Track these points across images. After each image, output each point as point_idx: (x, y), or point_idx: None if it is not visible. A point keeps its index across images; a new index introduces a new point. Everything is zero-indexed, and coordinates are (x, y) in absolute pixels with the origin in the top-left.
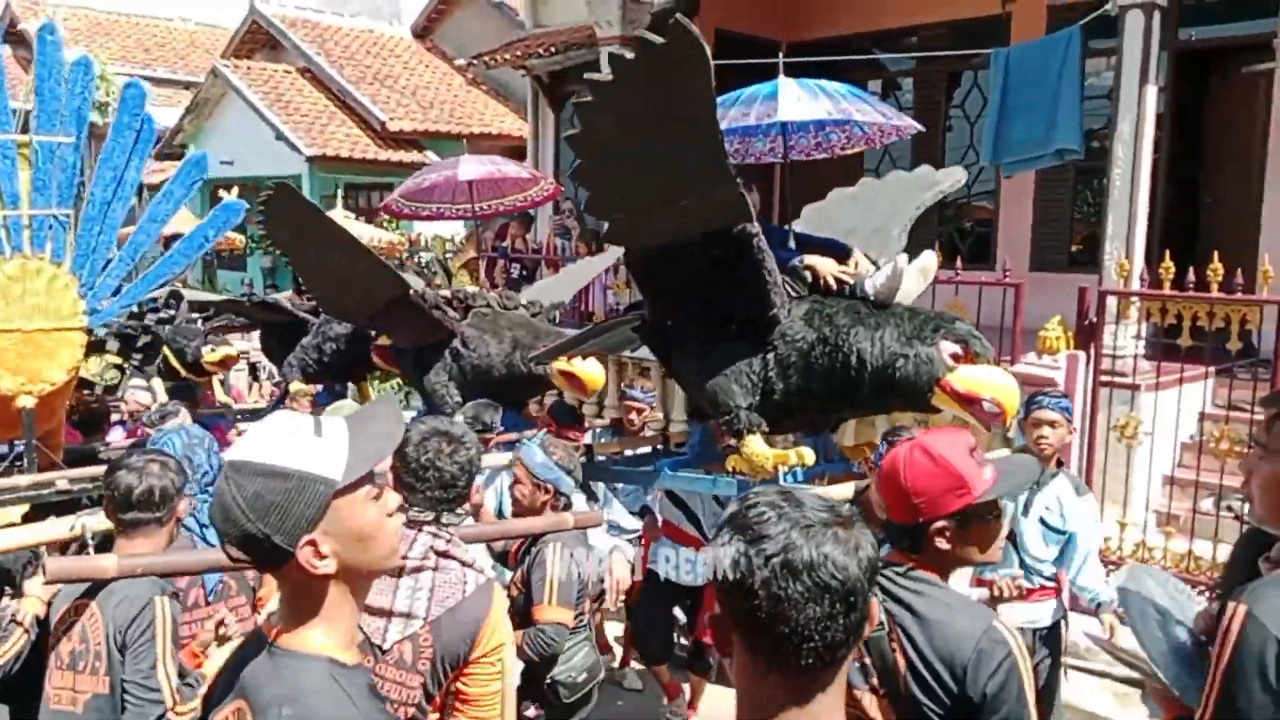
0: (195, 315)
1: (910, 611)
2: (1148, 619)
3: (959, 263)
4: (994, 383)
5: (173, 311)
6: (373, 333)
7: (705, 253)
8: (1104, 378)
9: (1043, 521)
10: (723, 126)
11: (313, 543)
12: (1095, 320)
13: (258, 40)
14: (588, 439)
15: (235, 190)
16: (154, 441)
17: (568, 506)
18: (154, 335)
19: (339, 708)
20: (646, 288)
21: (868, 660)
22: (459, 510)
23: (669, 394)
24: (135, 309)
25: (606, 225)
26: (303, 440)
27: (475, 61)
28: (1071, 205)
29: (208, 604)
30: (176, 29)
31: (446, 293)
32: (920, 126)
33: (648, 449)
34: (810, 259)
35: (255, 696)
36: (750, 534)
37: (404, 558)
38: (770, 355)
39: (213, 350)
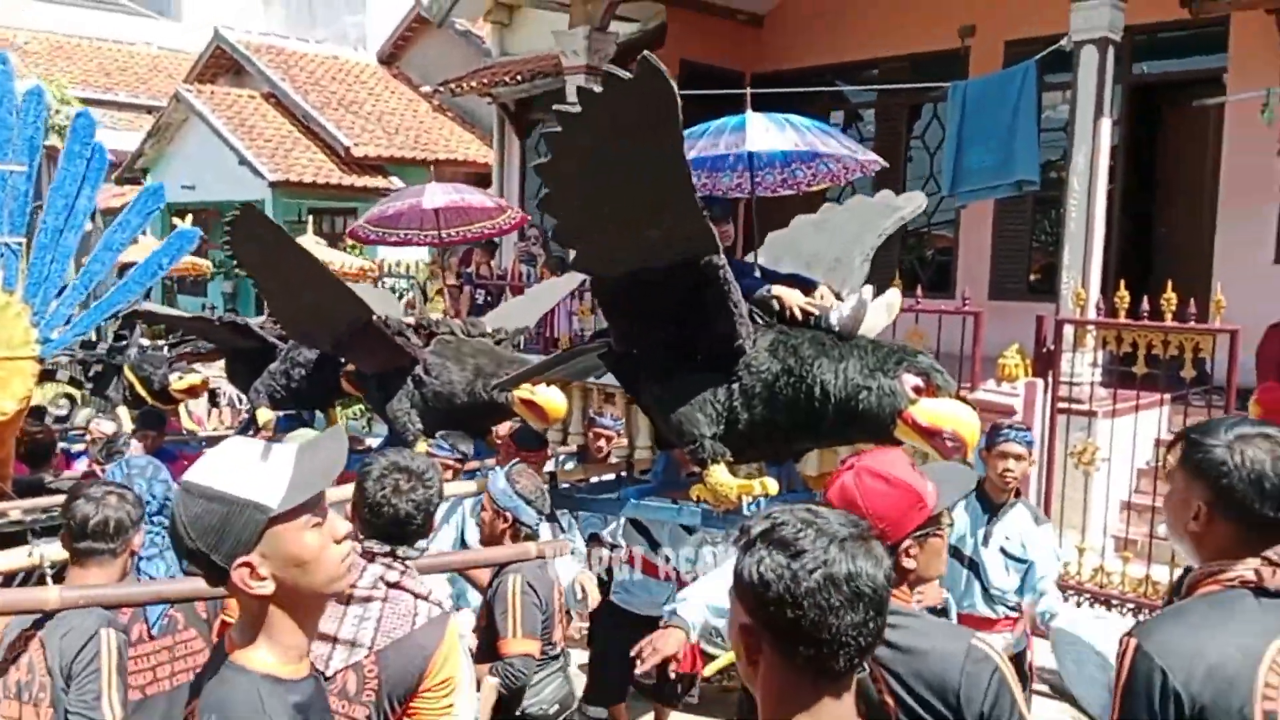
0: (161, 342)
1: (890, 647)
2: (1084, 664)
3: (919, 291)
4: (955, 416)
5: (126, 340)
6: (343, 359)
7: (672, 282)
8: (1061, 405)
9: (1003, 551)
10: (691, 156)
11: (248, 564)
12: (1053, 348)
13: (221, 65)
14: (551, 466)
15: (190, 218)
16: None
17: (530, 537)
18: (107, 364)
19: None
20: (612, 316)
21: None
22: (418, 545)
23: (634, 421)
24: (90, 337)
25: (574, 253)
26: (246, 468)
27: (441, 88)
28: (1030, 235)
29: (152, 639)
30: (139, 53)
31: (410, 319)
32: (884, 162)
33: (611, 476)
34: (777, 289)
35: (202, 700)
36: (790, 549)
37: (353, 587)
38: (735, 385)
39: (180, 378)
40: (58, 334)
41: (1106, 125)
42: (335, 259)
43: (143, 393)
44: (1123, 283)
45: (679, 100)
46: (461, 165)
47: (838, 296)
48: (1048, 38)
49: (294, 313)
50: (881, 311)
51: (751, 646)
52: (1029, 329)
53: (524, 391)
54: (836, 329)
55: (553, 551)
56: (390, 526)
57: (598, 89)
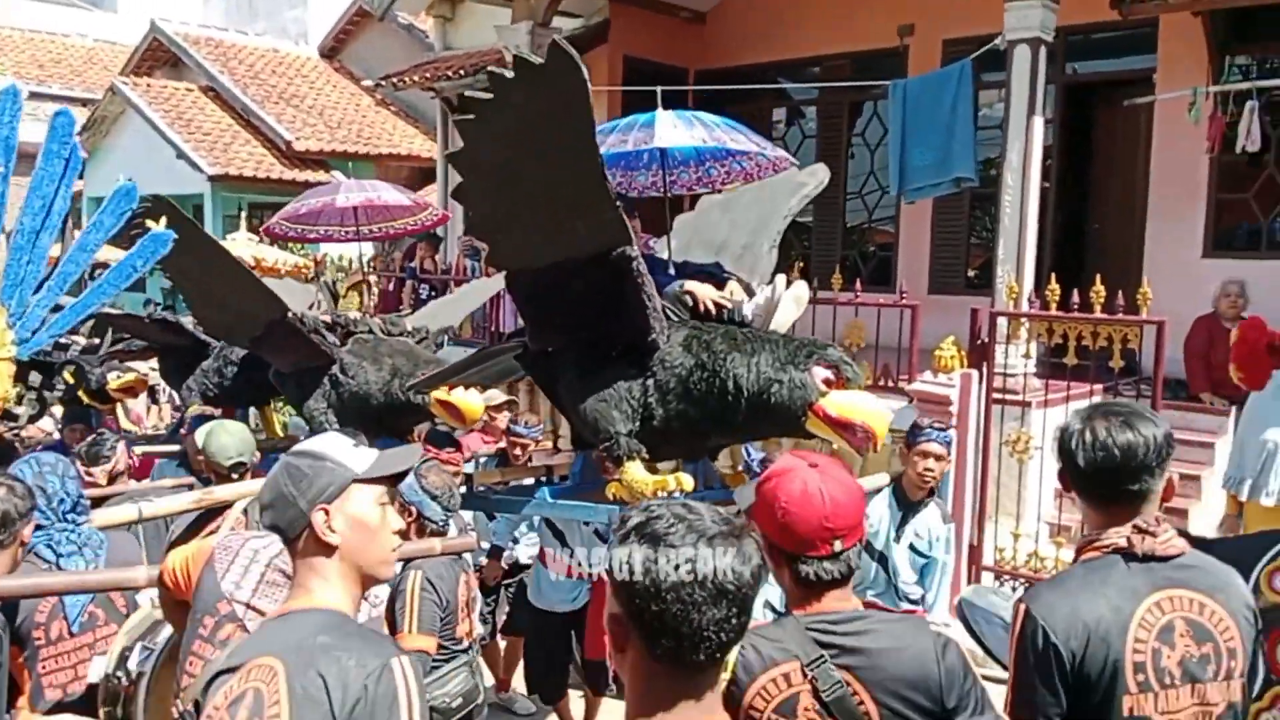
0: (96, 340)
1: (860, 654)
2: (994, 625)
3: (859, 285)
4: (865, 408)
5: (97, 341)
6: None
7: (585, 276)
8: (996, 395)
9: (912, 548)
10: (602, 152)
11: (326, 511)
12: (987, 340)
13: (158, 58)
14: (470, 468)
15: (161, 221)
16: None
17: (436, 533)
18: (78, 365)
19: (364, 636)
20: (528, 312)
21: None
22: None
23: (559, 423)
24: (59, 339)
25: (489, 247)
26: (341, 444)
27: (383, 82)
28: (968, 231)
29: (72, 636)
30: (74, 45)
31: (327, 317)
32: (795, 161)
33: (530, 480)
34: (689, 284)
35: (280, 650)
36: (661, 543)
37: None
38: (650, 381)
39: (118, 377)
40: (34, 335)
41: (1039, 123)
42: (270, 256)
43: (80, 393)
44: (1054, 276)
45: (589, 85)
46: (405, 160)
47: (748, 290)
48: (983, 37)
49: (211, 309)
50: (790, 304)
51: (619, 636)
52: (967, 323)
53: (441, 393)
54: (749, 322)
55: (457, 548)
56: None
57: (509, 74)
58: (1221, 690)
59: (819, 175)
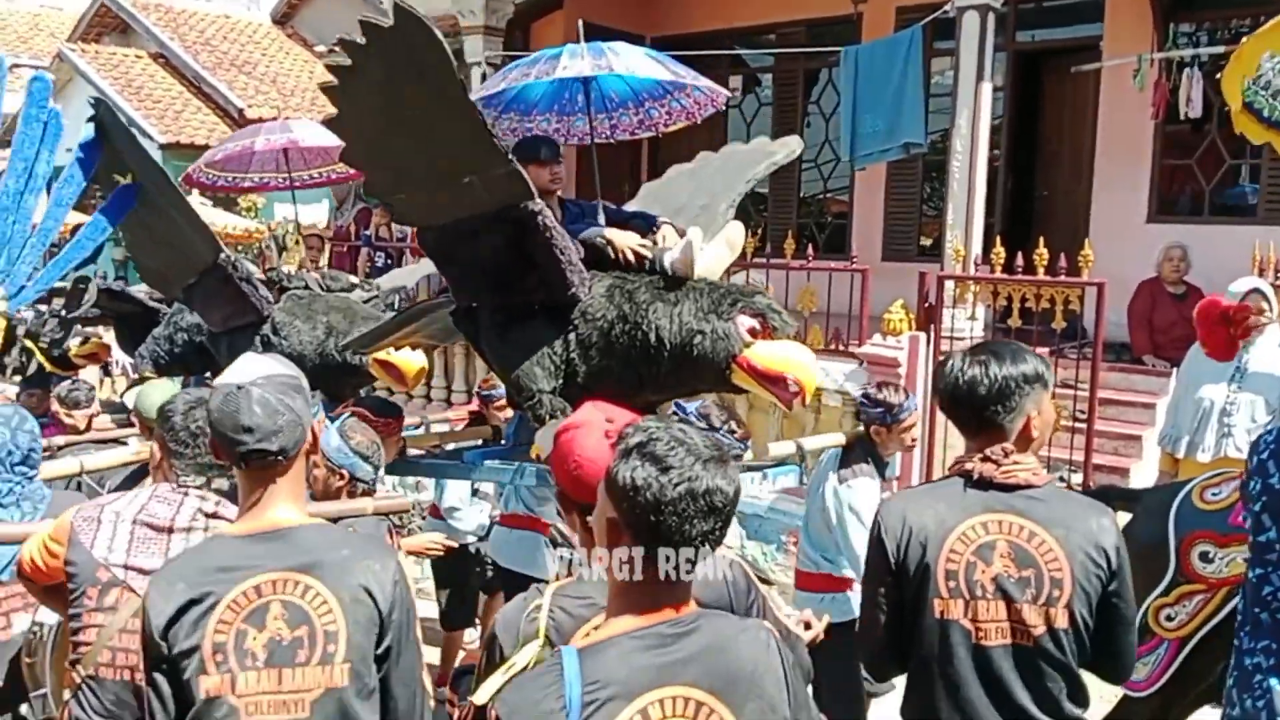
0: (59, 307)
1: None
2: None
3: (811, 251)
4: (791, 359)
5: (81, 300)
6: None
7: (491, 233)
8: (943, 357)
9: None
10: (502, 86)
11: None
12: (934, 303)
13: (106, 24)
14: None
15: (130, 175)
16: None
17: (366, 492)
18: (63, 321)
19: (367, 540)
20: (443, 269)
21: None
22: (230, 474)
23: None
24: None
25: (392, 206)
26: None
27: (335, 49)
28: (920, 199)
29: (1, 584)
30: (18, 10)
31: (259, 272)
32: (728, 92)
33: (471, 443)
34: (609, 231)
35: (300, 565)
36: (661, 463)
37: (172, 521)
38: (572, 335)
39: (82, 343)
40: (21, 292)
41: (988, 90)
42: (220, 220)
43: (41, 359)
44: (1002, 241)
45: (444, 43)
46: None
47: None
48: (935, 4)
49: (148, 249)
50: (723, 248)
51: (615, 538)
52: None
53: (380, 353)
54: (669, 271)
55: (389, 508)
56: (204, 455)
57: (360, 39)
58: (1039, 614)
59: (790, 145)
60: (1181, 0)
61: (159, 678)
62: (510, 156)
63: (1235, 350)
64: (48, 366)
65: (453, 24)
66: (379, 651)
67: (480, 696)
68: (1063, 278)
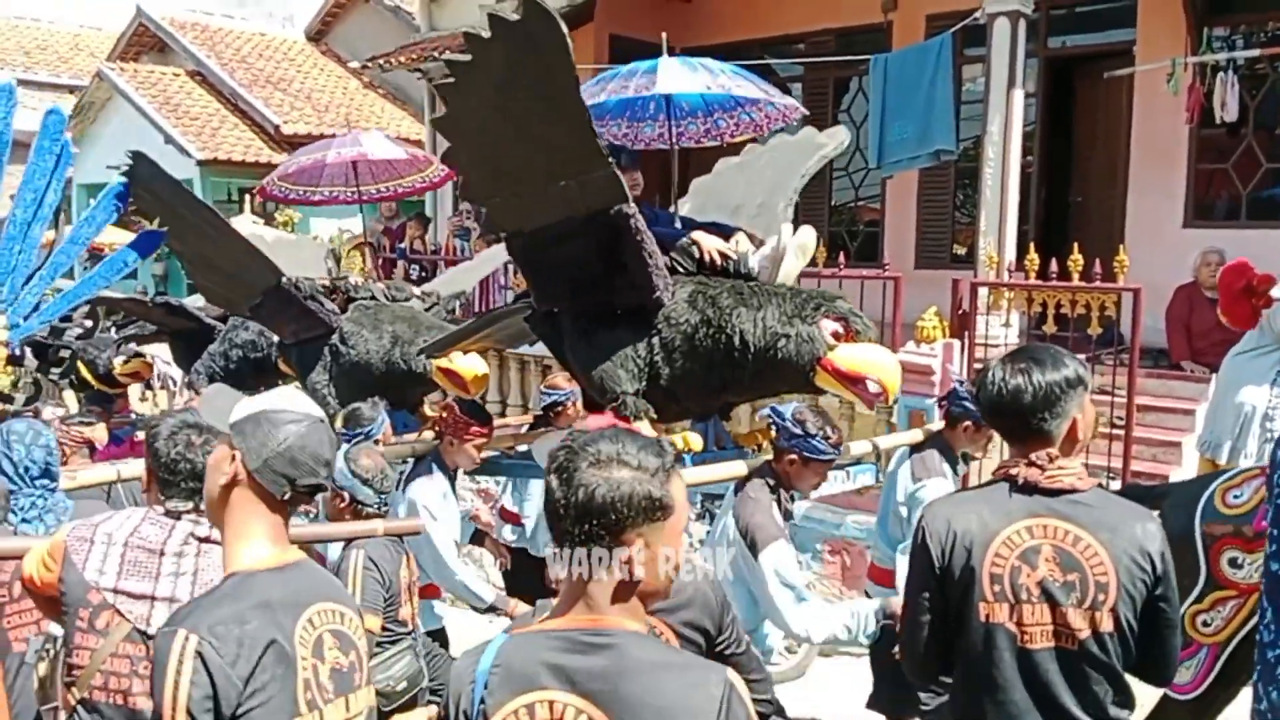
0: (108, 324)
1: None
2: None
3: (842, 259)
4: (875, 361)
5: (90, 324)
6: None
7: (584, 236)
8: (978, 364)
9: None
10: (603, 99)
11: None
12: (968, 310)
13: (145, 43)
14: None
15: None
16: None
17: (375, 515)
18: (71, 350)
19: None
20: (529, 274)
21: None
22: None
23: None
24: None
25: (485, 211)
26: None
27: (370, 65)
28: (952, 207)
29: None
30: (59, 31)
31: (326, 282)
32: (805, 110)
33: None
34: (696, 235)
35: (331, 595)
36: (563, 473)
37: (163, 545)
38: (655, 339)
39: (125, 361)
40: (25, 322)
41: (1019, 96)
42: (268, 236)
43: (88, 376)
44: (1032, 246)
45: (569, 40)
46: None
47: (757, 244)
48: (965, 11)
49: (209, 276)
50: (795, 254)
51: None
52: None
53: (443, 360)
54: (755, 274)
55: (400, 530)
56: (190, 480)
57: (485, 34)
58: (1084, 617)
59: (839, 137)
60: (1216, 3)
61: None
62: (610, 159)
63: (1257, 320)
64: (94, 384)
65: None
66: None
67: None
68: (1098, 283)
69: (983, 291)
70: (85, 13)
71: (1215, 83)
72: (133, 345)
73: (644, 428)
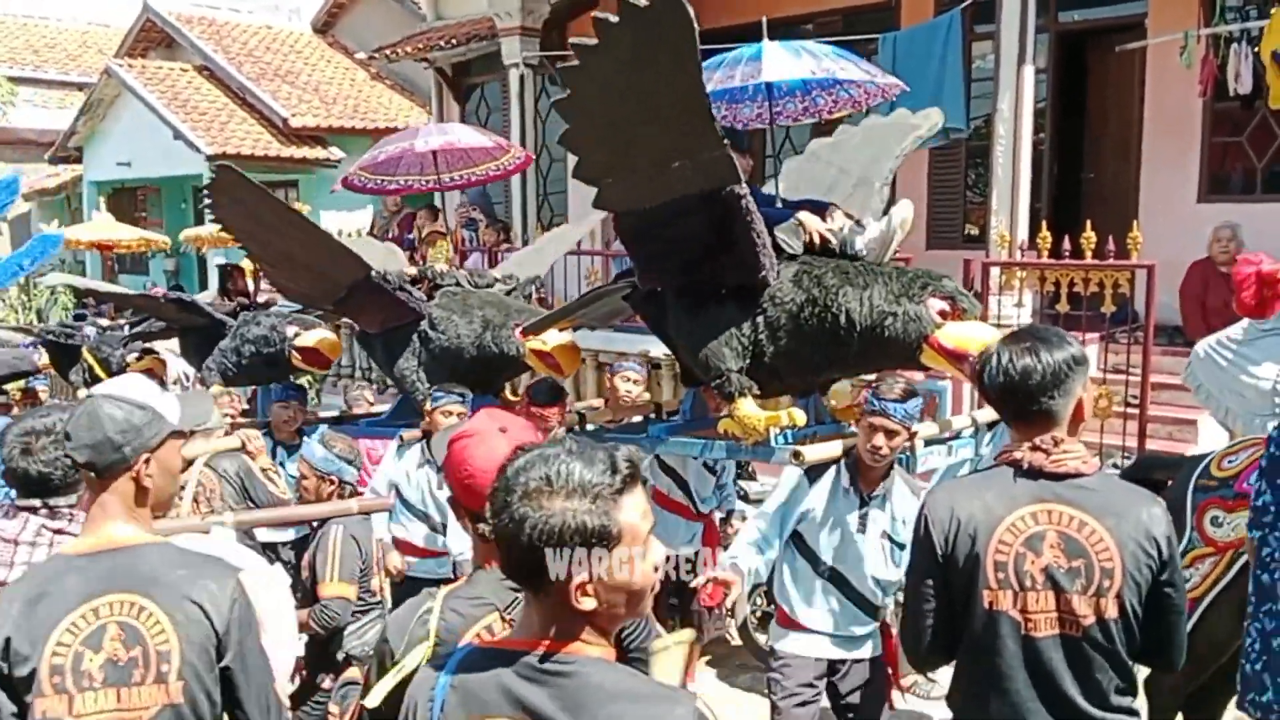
0: (121, 321)
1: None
2: None
3: None
4: (979, 338)
5: (105, 323)
6: (290, 332)
7: (694, 215)
8: (982, 350)
9: (888, 536)
10: (709, 89)
11: (147, 461)
12: (980, 290)
13: (152, 39)
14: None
15: (56, 223)
16: None
17: (353, 494)
18: (64, 344)
19: (206, 561)
20: (636, 253)
21: None
22: (72, 495)
23: (654, 376)
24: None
25: (597, 190)
26: (154, 391)
27: (377, 55)
28: (964, 185)
29: None
30: (67, 29)
31: (412, 271)
32: (905, 86)
33: (639, 418)
34: (801, 215)
35: (131, 585)
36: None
37: (17, 536)
38: (760, 318)
39: (138, 358)
40: None
41: (1030, 72)
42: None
43: (102, 374)
44: (1045, 224)
45: (695, 24)
46: None
47: (857, 222)
48: None
49: (289, 274)
50: (896, 231)
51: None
52: (962, 277)
53: (536, 343)
54: (863, 253)
55: (373, 508)
56: (30, 484)
57: (613, 19)
58: (1089, 604)
59: (932, 118)
60: None
61: (2, 697)
62: (725, 139)
63: (1271, 309)
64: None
65: (489, 26)
66: (222, 667)
67: (371, 700)
68: (1111, 261)
69: (995, 271)
70: (93, 10)
71: (1229, 55)
72: (140, 342)
73: (747, 404)
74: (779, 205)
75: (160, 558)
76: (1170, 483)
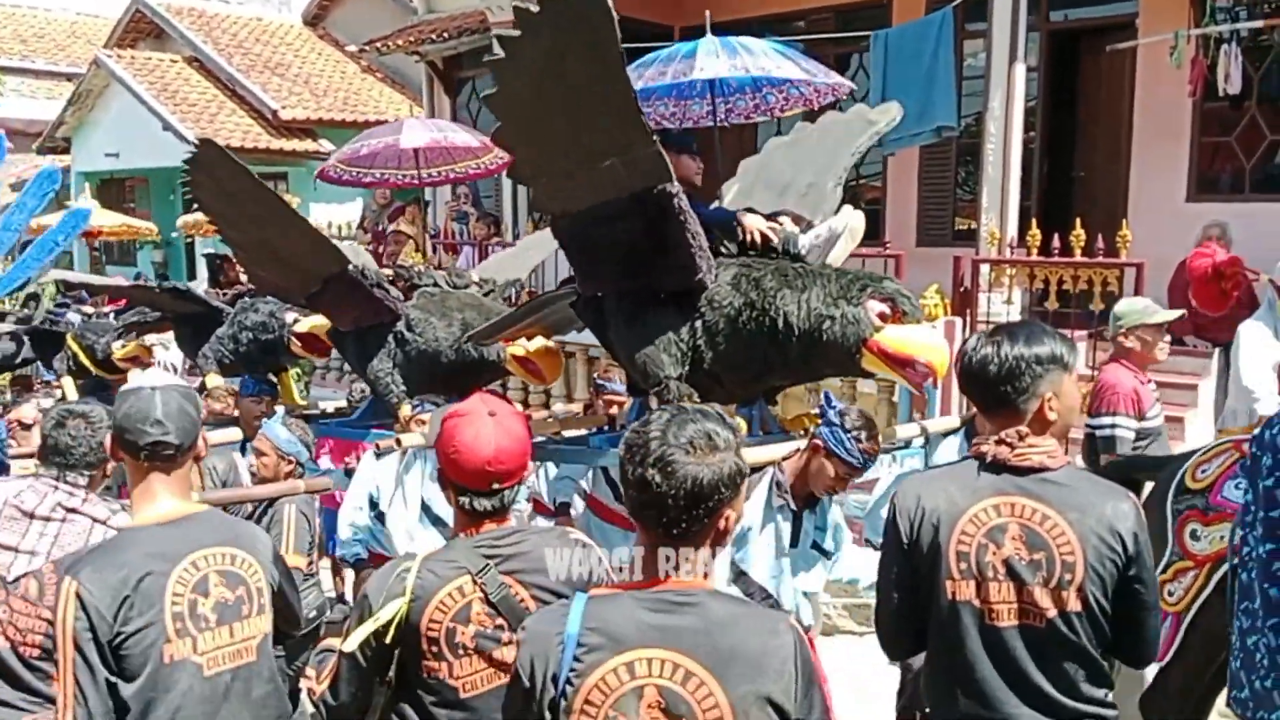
0: (108, 310)
1: (518, 558)
2: None
3: None
4: (923, 342)
5: (90, 310)
6: (290, 318)
7: (628, 217)
8: (967, 339)
9: (817, 547)
10: (641, 86)
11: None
12: (970, 288)
13: (141, 30)
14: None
15: (87, 194)
16: None
17: (301, 475)
18: (49, 332)
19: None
20: (574, 257)
21: None
22: (84, 475)
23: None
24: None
25: (532, 191)
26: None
27: (368, 48)
28: (954, 183)
29: None
30: (56, 19)
31: (389, 270)
32: (851, 85)
33: (585, 431)
34: (740, 214)
35: (220, 541)
36: (659, 461)
37: (34, 510)
38: (698, 322)
39: (123, 346)
40: None
41: (1021, 70)
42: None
43: (86, 362)
44: (1035, 222)
45: (614, 15)
46: None
47: (805, 225)
48: None
49: (266, 265)
50: (845, 237)
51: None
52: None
53: (517, 348)
54: (804, 255)
55: (317, 487)
56: (55, 453)
57: (533, 8)
58: (1050, 596)
59: (891, 112)
60: None
61: (92, 654)
62: (654, 136)
63: (1226, 303)
64: (93, 370)
65: (481, 19)
66: (275, 591)
67: (349, 645)
68: (1100, 259)
69: (984, 268)
70: (82, 0)
71: (1218, 55)
72: (133, 333)
73: None
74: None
75: (222, 520)
76: (1151, 486)
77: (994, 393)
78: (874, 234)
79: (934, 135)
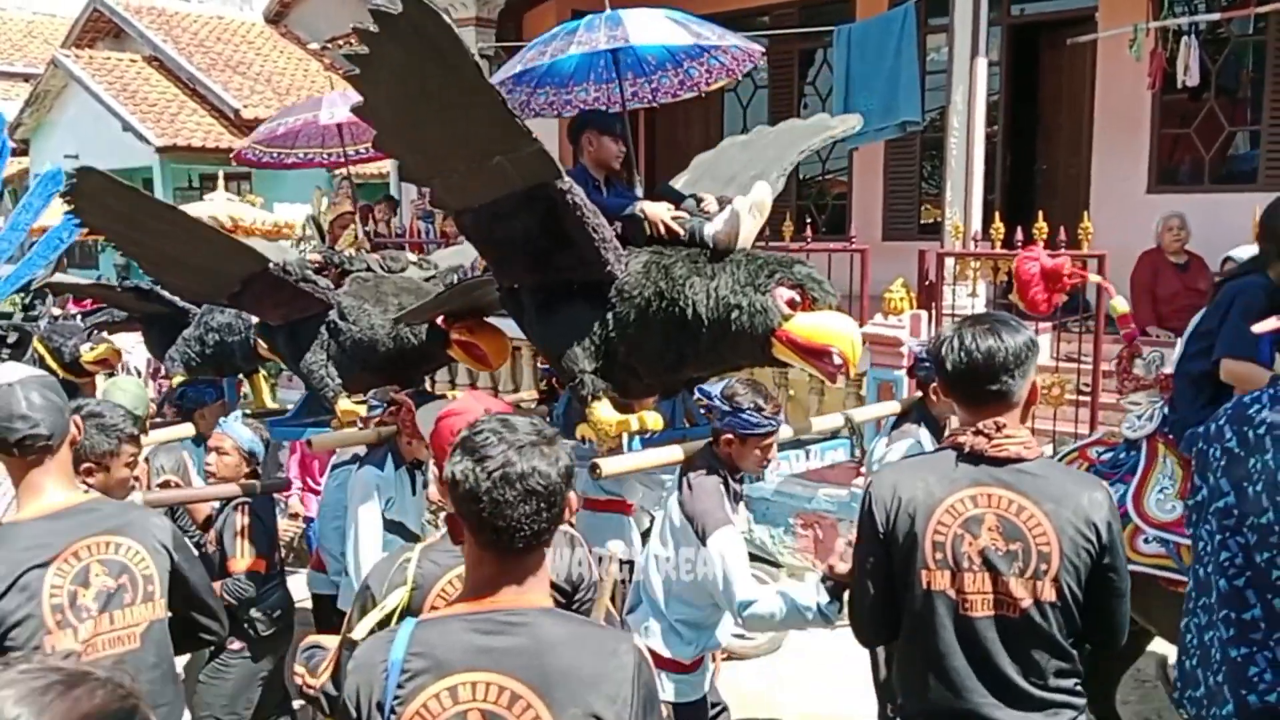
0: (76, 311)
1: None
2: None
3: (808, 232)
4: (833, 330)
5: (39, 309)
6: (255, 320)
7: (523, 214)
8: (937, 335)
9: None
10: (519, 68)
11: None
12: (934, 281)
13: (100, 29)
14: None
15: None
16: None
17: (256, 475)
18: (22, 333)
19: (135, 507)
20: (482, 250)
21: None
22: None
23: None
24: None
25: (429, 190)
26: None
27: (330, 45)
28: (919, 176)
29: None
30: (12, 19)
31: (316, 257)
32: (759, 48)
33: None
34: (643, 204)
35: (107, 529)
36: (477, 454)
37: None
38: (610, 314)
39: (91, 348)
40: None
41: (983, 65)
42: (247, 215)
43: (53, 364)
44: (998, 215)
45: (453, 27)
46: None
47: (721, 208)
48: None
49: (178, 274)
50: (750, 214)
51: (456, 530)
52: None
53: (460, 333)
54: (711, 243)
55: (274, 488)
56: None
57: (374, 28)
58: (1026, 587)
59: (849, 122)
60: None
61: None
62: (535, 136)
63: (1052, 306)
64: (60, 372)
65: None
66: (171, 571)
67: (358, 633)
68: (1063, 251)
69: (949, 261)
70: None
71: (1178, 47)
72: (100, 332)
73: (602, 408)
74: (638, 194)
75: (112, 508)
76: None
77: (997, 381)
78: (840, 228)
79: (898, 130)
